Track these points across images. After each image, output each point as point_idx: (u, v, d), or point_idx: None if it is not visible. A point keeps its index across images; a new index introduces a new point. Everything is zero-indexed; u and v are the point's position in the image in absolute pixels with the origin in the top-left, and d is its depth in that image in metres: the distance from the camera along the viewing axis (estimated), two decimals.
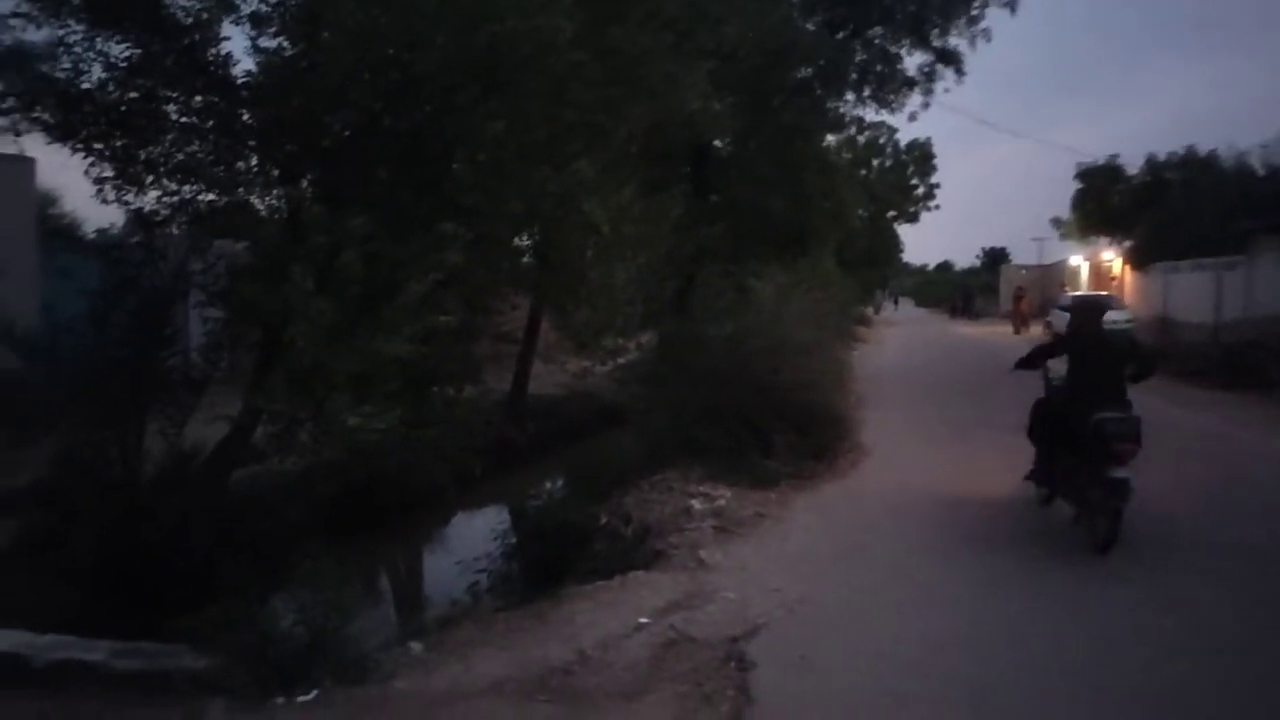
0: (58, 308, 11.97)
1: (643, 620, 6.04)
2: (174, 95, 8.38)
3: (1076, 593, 6.39)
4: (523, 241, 10.98)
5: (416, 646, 5.89)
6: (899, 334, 40.59)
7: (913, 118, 33.84)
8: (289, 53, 8.45)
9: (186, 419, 8.55)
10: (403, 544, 10.70)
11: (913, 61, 23.45)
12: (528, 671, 5.36)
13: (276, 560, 6.73)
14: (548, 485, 11.68)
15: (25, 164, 15.13)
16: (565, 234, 9.44)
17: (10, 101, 7.70)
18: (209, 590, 6.39)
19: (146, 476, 8.16)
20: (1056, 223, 43.27)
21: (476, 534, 9.87)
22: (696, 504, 8.66)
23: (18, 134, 8.10)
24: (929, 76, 23.89)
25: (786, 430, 10.33)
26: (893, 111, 24.47)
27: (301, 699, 5.21)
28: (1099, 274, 37.33)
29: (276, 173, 8.53)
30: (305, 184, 8.54)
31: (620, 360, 13.23)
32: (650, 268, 11.58)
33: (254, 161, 8.60)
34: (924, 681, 5.04)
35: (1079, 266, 40.83)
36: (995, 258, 76.97)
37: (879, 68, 22.54)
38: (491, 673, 5.38)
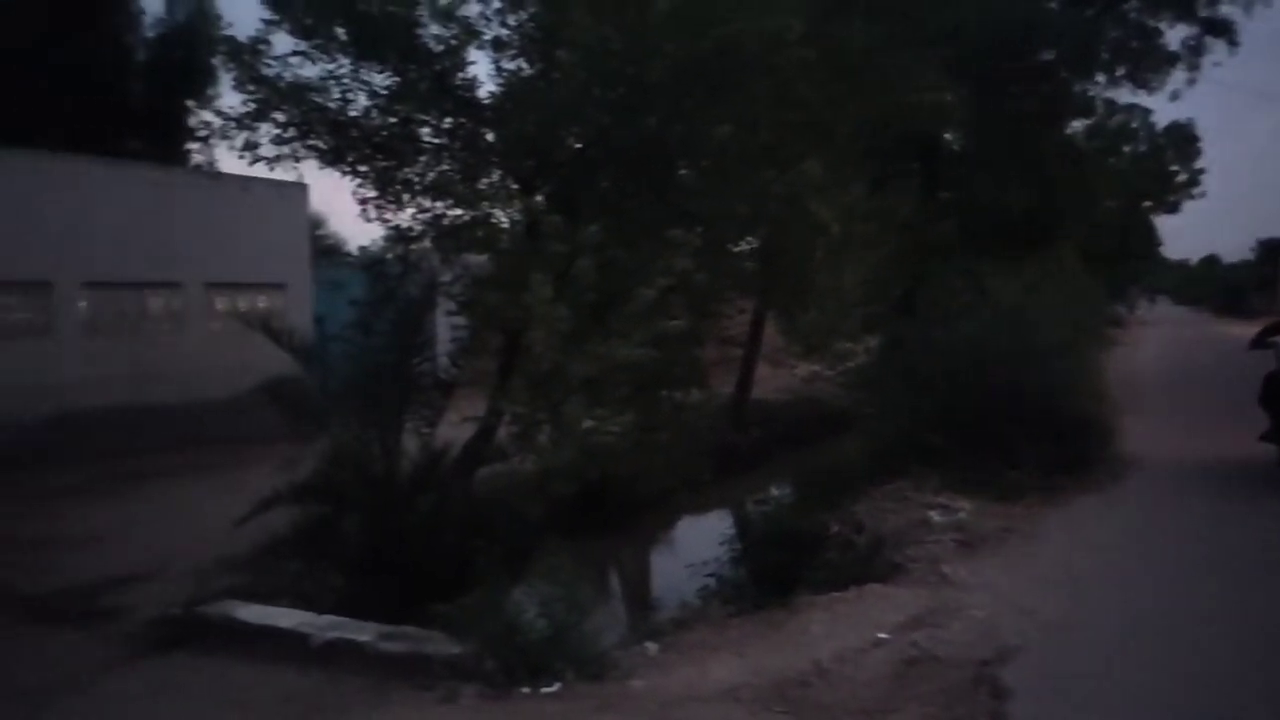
0: (328, 318, 13.27)
1: (882, 635, 5.78)
2: (426, 119, 9.07)
3: None
4: (748, 245, 10.94)
5: (652, 647, 5.96)
6: (1157, 335, 36.89)
7: (1174, 97, 30.49)
8: (528, 73, 8.92)
9: (438, 420, 9.14)
10: (633, 544, 10.92)
11: (1175, 35, 21.17)
12: (763, 679, 5.27)
13: (518, 554, 7.03)
14: (773, 491, 11.55)
15: (301, 189, 16.99)
16: (792, 236, 9.30)
17: (290, 131, 8.63)
18: (460, 579, 6.77)
19: (404, 472, 8.79)
20: None
21: (703, 537, 9.90)
22: (935, 515, 8.22)
23: (296, 160, 9.05)
24: (1194, 50, 21.44)
25: (1034, 439, 9.56)
26: (1150, 92, 22.18)
27: (545, 690, 5.40)
28: None
29: (516, 187, 9.00)
30: (542, 196, 8.95)
31: (848, 364, 12.86)
32: (879, 267, 11.16)
33: (496, 177, 9.13)
34: None
35: None
36: (1274, 249, 68.08)
37: (1134, 44, 20.50)
38: (726, 678, 5.33)
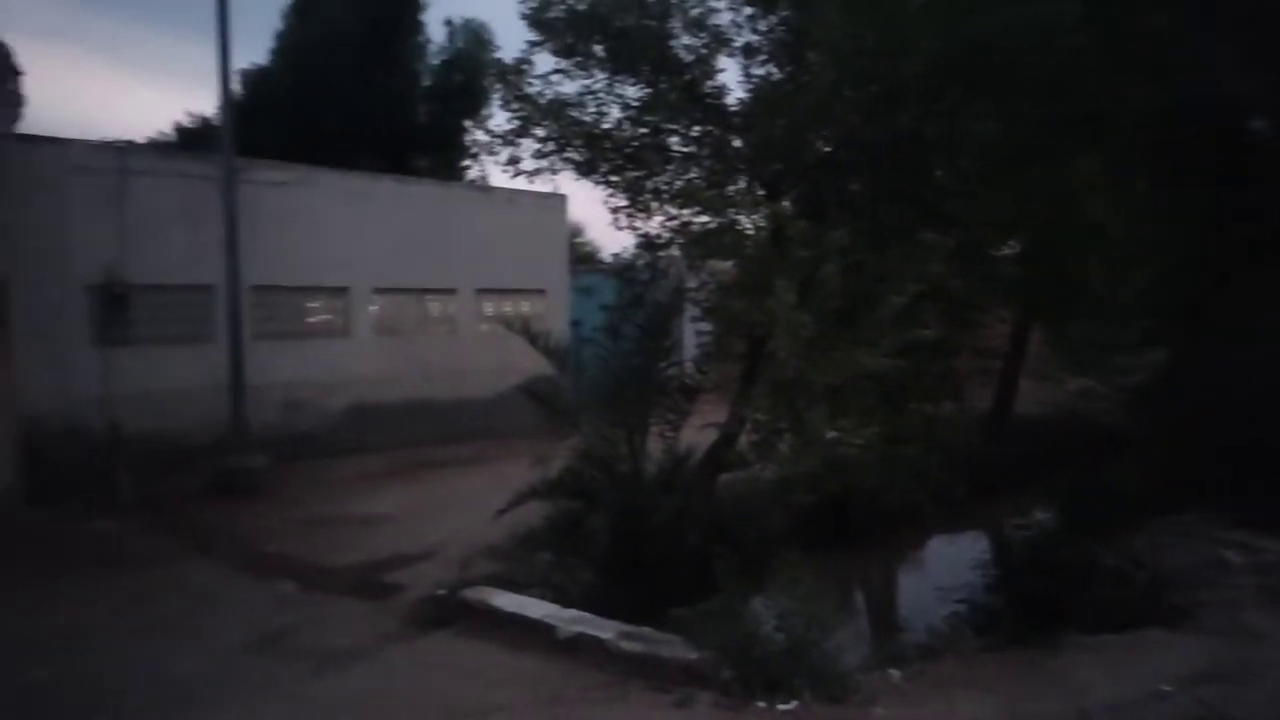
0: (583, 322, 13.87)
1: (1164, 688, 5.14)
2: (676, 128, 9.24)
3: None
4: (1009, 249, 10.19)
5: (895, 674, 5.67)
6: None
7: None
8: (776, 78, 8.84)
9: (682, 423, 9.29)
10: (877, 562, 10.51)
11: None
12: None
13: (757, 564, 6.96)
14: (1035, 515, 10.65)
15: (560, 200, 17.96)
16: (1061, 239, 8.52)
17: (549, 145, 9.12)
18: (698, 584, 6.80)
19: (649, 473, 9.01)
20: None
21: (954, 560, 9.33)
22: (1233, 556, 7.20)
23: (554, 172, 9.56)
24: None
25: None
26: None
27: (781, 707, 5.29)
28: None
29: (762, 192, 8.95)
30: (788, 201, 8.83)
31: (1126, 380, 11.60)
32: (1166, 274, 9.95)
33: (742, 183, 9.13)
34: None
35: None
36: None
37: None
38: (978, 718, 4.97)
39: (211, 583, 8.55)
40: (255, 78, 21.71)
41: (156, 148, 20.15)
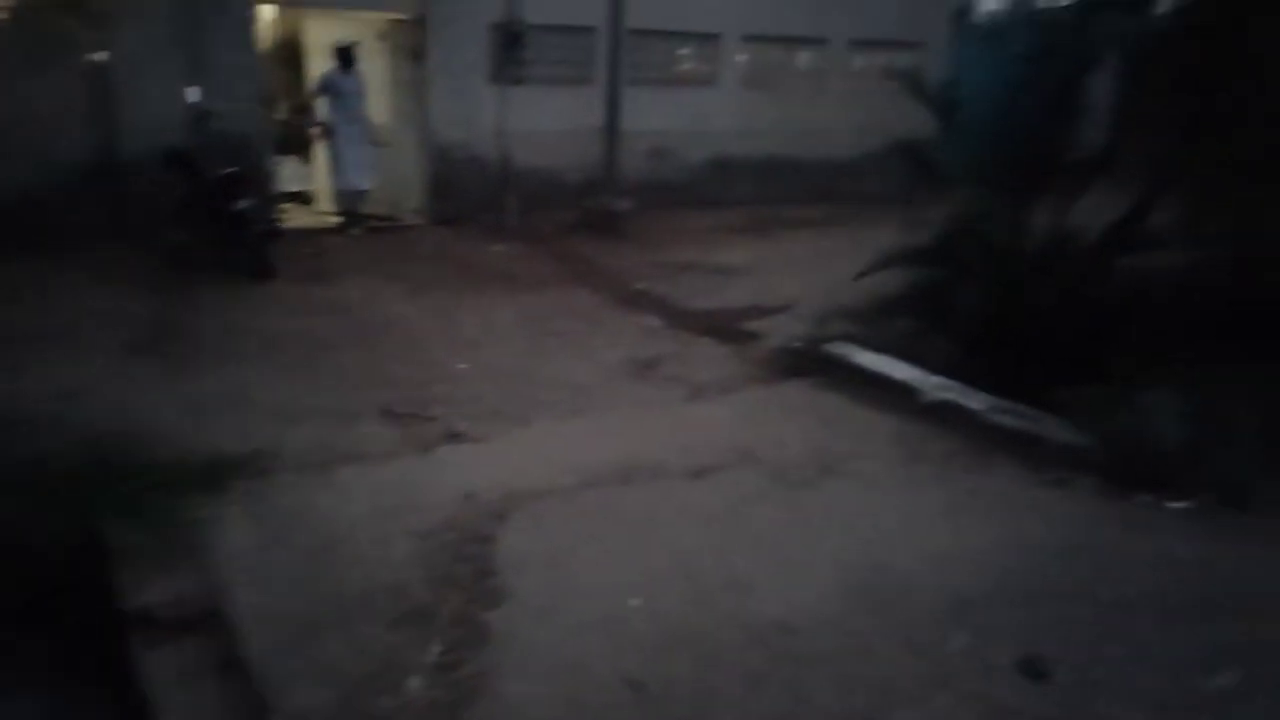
0: (977, 76, 12.47)
1: None
2: None
3: None
4: None
5: None
6: None
7: None
8: None
9: (1078, 198, 8.28)
10: None
11: None
12: None
13: (1158, 359, 6.22)
14: None
15: None
16: None
17: None
18: (1081, 373, 6.26)
19: (1030, 249, 8.24)
20: None
21: None
22: None
23: None
24: None
25: None
26: None
27: (1172, 504, 4.86)
28: None
29: None
30: None
31: None
32: None
33: None
34: None
35: None
36: None
37: None
38: None
39: (590, 309, 9.37)
40: None
41: None
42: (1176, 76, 6.85)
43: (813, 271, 10.66)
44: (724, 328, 8.78)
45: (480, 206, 12.84)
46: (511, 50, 12.65)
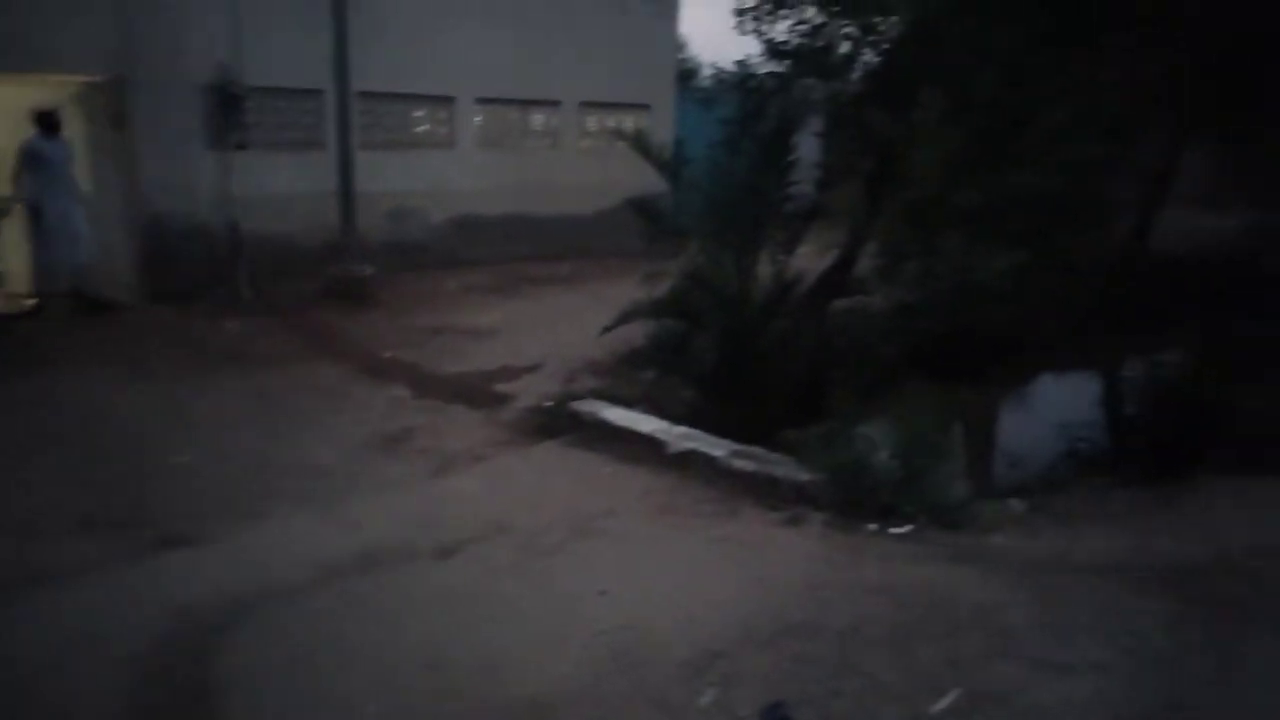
0: (689, 140, 13.20)
1: None
2: None
3: None
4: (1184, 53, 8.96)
5: (1017, 504, 5.52)
6: None
7: None
8: None
9: (795, 246, 8.93)
10: (998, 395, 10.15)
11: None
12: (1151, 560, 4.67)
13: (871, 392, 6.78)
14: (1171, 355, 10.03)
15: (672, 7, 16.99)
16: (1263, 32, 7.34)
17: None
18: (808, 410, 6.69)
19: (757, 296, 8.76)
20: None
21: (1081, 396, 8.92)
22: None
23: None
24: None
25: None
26: None
27: (894, 531, 5.23)
28: None
29: None
30: None
31: None
32: None
33: None
34: None
35: None
36: None
37: None
38: (1105, 551, 4.81)
39: (333, 383, 8.87)
40: None
41: None
42: (862, 138, 7.61)
43: (561, 329, 10.78)
44: (475, 392, 8.61)
45: (210, 280, 11.87)
46: (230, 114, 11.91)
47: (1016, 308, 6.73)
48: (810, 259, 9.25)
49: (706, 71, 17.17)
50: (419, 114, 14.72)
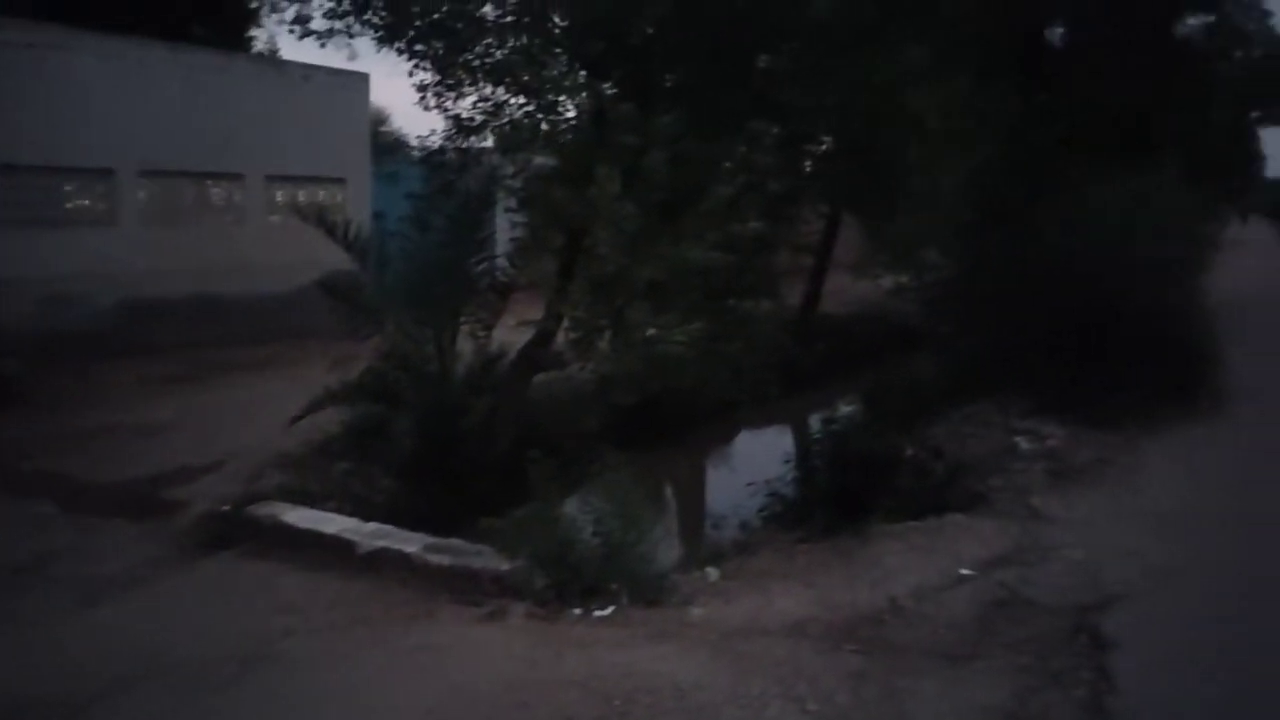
0: (388, 214, 12.83)
1: (965, 572, 5.32)
2: None
3: None
4: (830, 144, 10.08)
5: (713, 573, 5.60)
6: (1253, 258, 34.49)
7: None
8: None
9: (494, 322, 8.79)
10: (692, 459, 10.55)
11: None
12: (834, 615, 4.87)
13: (573, 466, 6.70)
14: (842, 409, 10.99)
15: (362, 80, 16.45)
16: (885, 130, 8.43)
17: (345, 4, 8.04)
18: (512, 490, 6.47)
19: (458, 375, 8.50)
20: None
21: (766, 455, 9.46)
22: (1022, 442, 7.63)
23: (350, 35, 8.47)
24: None
25: (1135, 363, 8.73)
26: None
27: (598, 613, 5.09)
28: None
29: (584, 73, 8.32)
30: (612, 84, 8.25)
31: (936, 276, 11.91)
32: (977, 173, 10.14)
33: (563, 62, 8.44)
34: None
35: None
36: None
37: None
38: (793, 610, 4.96)
39: None
40: None
41: None
42: (550, 214, 7.68)
43: (250, 419, 9.80)
44: (141, 501, 7.54)
45: None
46: None
47: (700, 374, 7.01)
48: (514, 333, 9.16)
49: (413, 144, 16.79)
50: (70, 188, 13.07)
